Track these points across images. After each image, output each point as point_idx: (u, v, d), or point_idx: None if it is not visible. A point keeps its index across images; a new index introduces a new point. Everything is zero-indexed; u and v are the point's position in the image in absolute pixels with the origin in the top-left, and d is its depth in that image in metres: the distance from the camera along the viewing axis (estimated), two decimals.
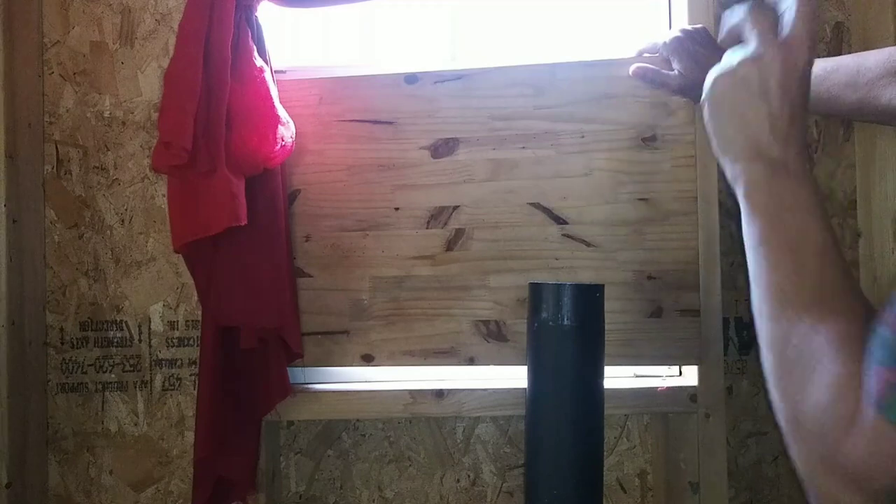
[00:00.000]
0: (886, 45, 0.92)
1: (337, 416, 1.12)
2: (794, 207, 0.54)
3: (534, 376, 0.90)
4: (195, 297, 1.12)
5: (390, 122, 1.09)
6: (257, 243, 1.01)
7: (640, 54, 1.06)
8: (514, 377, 1.06)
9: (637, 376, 1.09)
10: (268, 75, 1.01)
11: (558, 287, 0.86)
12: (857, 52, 0.95)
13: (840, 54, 1.07)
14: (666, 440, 1.11)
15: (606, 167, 1.06)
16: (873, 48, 0.91)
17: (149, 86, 1.17)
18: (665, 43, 1.03)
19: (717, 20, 1.06)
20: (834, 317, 0.49)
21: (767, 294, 0.54)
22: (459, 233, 1.08)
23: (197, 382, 1.05)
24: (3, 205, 1.08)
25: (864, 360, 0.46)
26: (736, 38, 0.59)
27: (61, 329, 1.17)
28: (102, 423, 1.17)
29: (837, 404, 0.46)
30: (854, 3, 1.11)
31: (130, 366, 1.17)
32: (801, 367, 0.49)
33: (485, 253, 1.07)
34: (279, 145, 1.00)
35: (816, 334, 0.49)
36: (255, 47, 1.01)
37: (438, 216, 1.08)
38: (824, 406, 0.47)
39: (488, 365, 1.07)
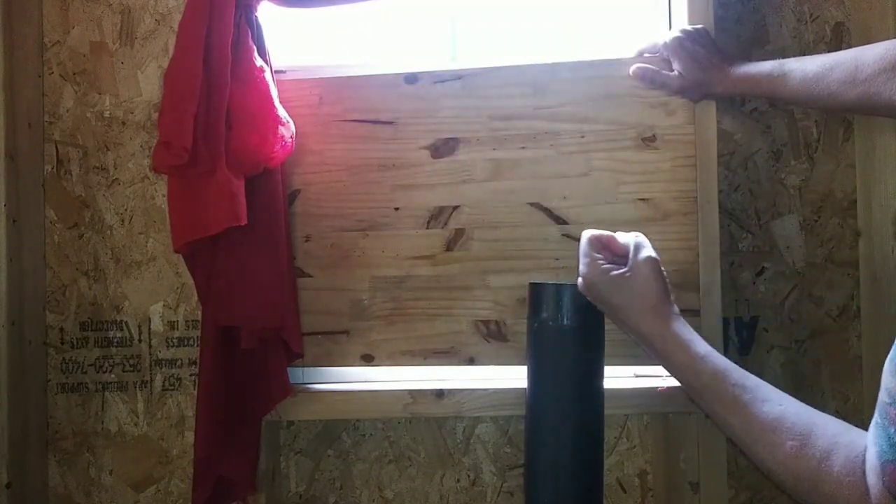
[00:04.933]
0: None
1: (337, 416, 1.12)
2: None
3: (534, 376, 0.90)
4: (195, 297, 1.12)
5: (390, 122, 1.09)
6: (257, 243, 1.01)
7: (640, 54, 1.06)
8: (514, 377, 1.05)
9: (637, 376, 1.08)
10: (268, 75, 1.01)
11: (558, 287, 0.86)
12: None
13: None
14: (666, 440, 1.11)
15: (606, 167, 1.06)
16: None
17: (149, 86, 1.17)
18: (665, 43, 1.03)
19: (717, 20, 1.06)
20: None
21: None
22: (459, 233, 1.08)
23: (197, 382, 1.05)
24: (3, 205, 1.08)
25: (872, 451, 0.55)
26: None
27: (61, 329, 1.17)
28: (102, 423, 1.17)
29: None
30: (854, 3, 1.11)
31: (130, 366, 1.17)
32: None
33: (485, 253, 1.07)
34: (279, 145, 1.00)
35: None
36: (255, 47, 1.01)
37: (438, 216, 1.08)
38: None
39: (488, 365, 1.07)
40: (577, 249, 0.84)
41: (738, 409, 0.67)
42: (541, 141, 1.07)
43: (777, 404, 0.66)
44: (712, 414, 0.71)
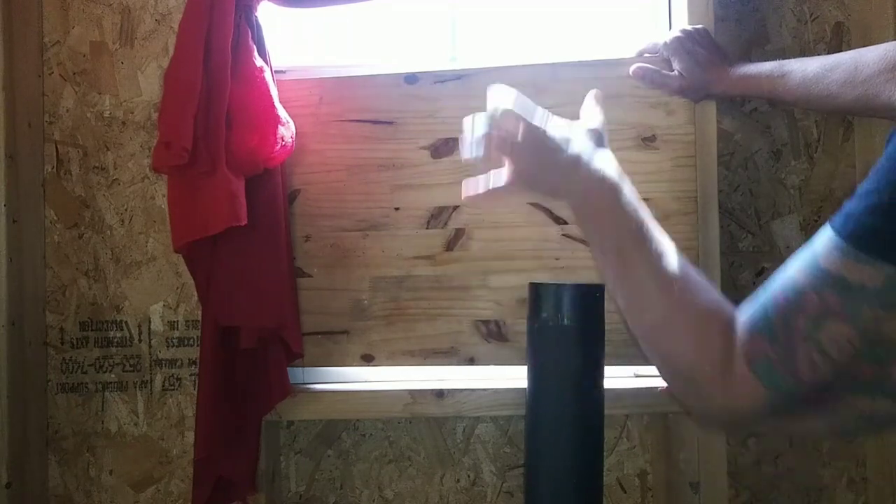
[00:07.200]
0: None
1: (337, 416, 1.12)
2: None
3: (534, 376, 0.90)
4: (195, 297, 1.12)
5: (390, 122, 1.09)
6: (257, 243, 1.01)
7: (640, 54, 1.06)
8: (514, 377, 1.05)
9: (637, 376, 1.08)
10: (268, 75, 1.01)
11: (558, 287, 0.86)
12: None
13: None
14: (666, 440, 1.11)
15: None
16: None
17: (149, 86, 1.17)
18: (665, 43, 1.03)
19: (717, 20, 1.06)
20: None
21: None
22: (459, 233, 1.08)
23: (197, 382, 1.05)
24: (3, 205, 1.08)
25: (746, 320, 0.57)
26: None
27: (61, 329, 1.17)
28: (102, 423, 1.17)
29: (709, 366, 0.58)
30: (854, 3, 1.11)
31: (130, 366, 1.17)
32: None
33: (485, 253, 1.07)
34: (279, 145, 1.00)
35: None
36: (255, 47, 1.01)
37: (438, 216, 1.08)
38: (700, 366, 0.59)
39: (488, 365, 1.07)
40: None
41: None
42: None
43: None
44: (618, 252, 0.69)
